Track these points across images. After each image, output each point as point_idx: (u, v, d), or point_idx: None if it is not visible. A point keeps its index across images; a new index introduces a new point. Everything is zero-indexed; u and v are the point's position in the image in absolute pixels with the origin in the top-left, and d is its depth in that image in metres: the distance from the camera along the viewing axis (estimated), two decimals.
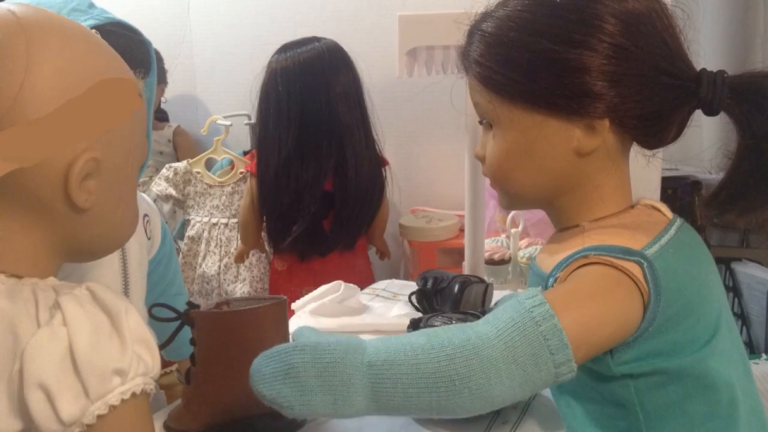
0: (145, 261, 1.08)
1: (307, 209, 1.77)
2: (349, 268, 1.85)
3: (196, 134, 2.35)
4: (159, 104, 2.38)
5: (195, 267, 2.12)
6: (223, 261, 2.10)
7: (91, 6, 0.92)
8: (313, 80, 1.74)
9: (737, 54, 2.35)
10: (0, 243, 0.56)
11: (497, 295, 1.16)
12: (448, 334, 0.58)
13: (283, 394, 0.56)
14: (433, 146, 2.17)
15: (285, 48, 1.79)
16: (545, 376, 0.56)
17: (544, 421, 0.85)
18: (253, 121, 2.03)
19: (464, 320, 0.96)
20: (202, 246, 2.12)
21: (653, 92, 0.64)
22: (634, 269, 0.61)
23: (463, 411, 0.57)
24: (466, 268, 1.43)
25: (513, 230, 1.61)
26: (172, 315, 0.85)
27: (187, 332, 0.86)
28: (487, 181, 0.77)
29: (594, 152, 0.67)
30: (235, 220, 2.10)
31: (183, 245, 2.14)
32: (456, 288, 1.13)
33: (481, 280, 1.18)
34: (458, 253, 1.70)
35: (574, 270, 0.63)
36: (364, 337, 1.12)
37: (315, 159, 1.75)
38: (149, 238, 1.09)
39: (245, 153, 2.14)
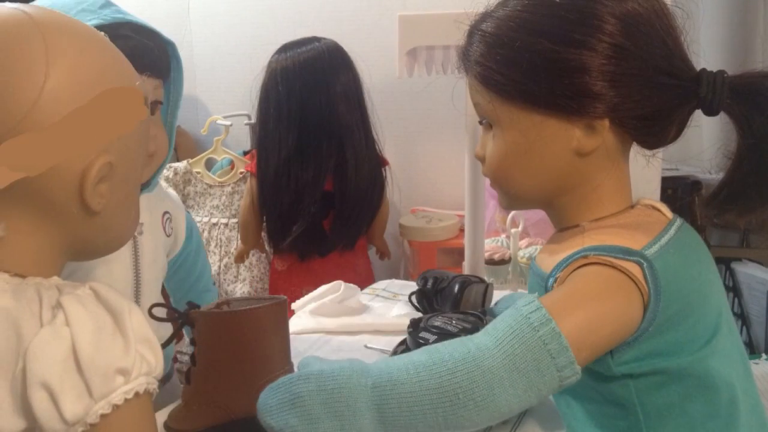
0: (162, 258, 1.07)
1: (307, 209, 1.77)
2: (349, 268, 1.85)
3: (196, 134, 2.35)
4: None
5: None
6: (223, 261, 2.10)
7: (104, 6, 0.91)
8: (313, 80, 1.74)
9: (737, 54, 2.35)
10: (6, 243, 0.56)
11: (497, 295, 1.16)
12: (449, 348, 0.59)
13: (290, 425, 0.57)
14: (433, 146, 2.17)
15: (285, 48, 1.79)
16: (549, 380, 0.57)
17: (544, 421, 0.85)
18: (253, 121, 2.03)
19: (464, 320, 0.96)
20: None
21: (653, 92, 0.64)
22: (634, 269, 0.61)
23: (472, 424, 0.57)
24: (466, 268, 1.43)
25: (513, 230, 1.61)
26: (173, 315, 0.85)
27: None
28: (487, 181, 0.77)
29: (594, 152, 0.67)
30: (235, 220, 2.10)
31: None
32: (456, 288, 1.13)
33: (481, 280, 1.18)
34: (458, 253, 1.70)
35: (574, 270, 0.63)
36: (364, 337, 1.14)
37: (315, 159, 1.75)
38: (169, 236, 1.09)
39: (245, 153, 2.14)
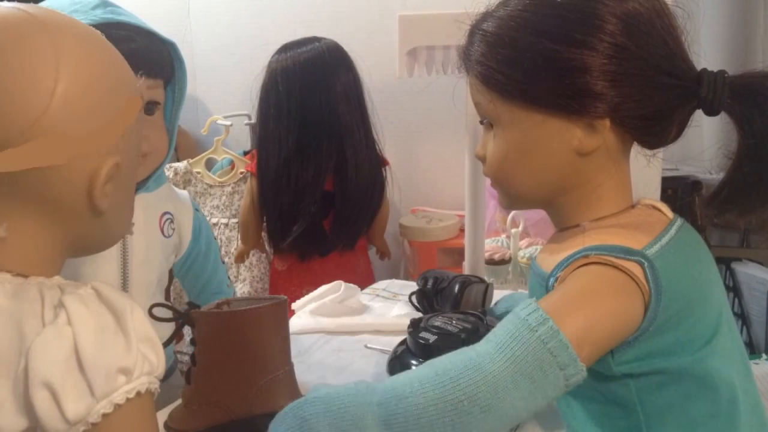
0: (157, 259, 1.06)
1: (307, 209, 1.77)
2: (349, 268, 1.85)
3: (196, 134, 2.35)
4: None
5: None
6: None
7: (97, 6, 0.90)
8: (313, 80, 1.74)
9: (737, 54, 2.35)
10: (8, 243, 0.56)
11: (497, 295, 1.16)
12: (451, 359, 0.59)
13: None
14: (433, 146, 2.17)
15: (285, 48, 1.79)
16: (554, 380, 0.57)
17: (544, 421, 0.85)
18: (253, 121, 2.03)
19: (464, 320, 0.96)
20: None
21: (654, 92, 0.64)
22: (635, 269, 0.61)
23: None
24: (466, 268, 1.43)
25: (513, 230, 1.61)
26: (173, 315, 0.85)
27: None
28: (488, 181, 0.77)
29: (594, 152, 0.67)
30: (235, 220, 2.10)
31: None
32: (456, 288, 1.13)
33: (482, 280, 1.18)
34: (458, 253, 1.70)
35: (575, 270, 0.63)
36: (365, 336, 1.14)
37: (315, 159, 1.75)
38: (168, 237, 1.08)
39: (245, 153, 2.14)
